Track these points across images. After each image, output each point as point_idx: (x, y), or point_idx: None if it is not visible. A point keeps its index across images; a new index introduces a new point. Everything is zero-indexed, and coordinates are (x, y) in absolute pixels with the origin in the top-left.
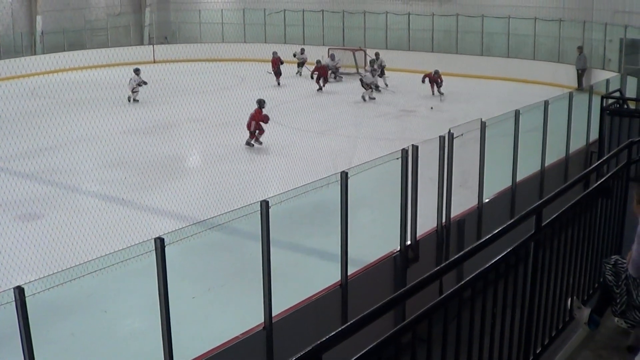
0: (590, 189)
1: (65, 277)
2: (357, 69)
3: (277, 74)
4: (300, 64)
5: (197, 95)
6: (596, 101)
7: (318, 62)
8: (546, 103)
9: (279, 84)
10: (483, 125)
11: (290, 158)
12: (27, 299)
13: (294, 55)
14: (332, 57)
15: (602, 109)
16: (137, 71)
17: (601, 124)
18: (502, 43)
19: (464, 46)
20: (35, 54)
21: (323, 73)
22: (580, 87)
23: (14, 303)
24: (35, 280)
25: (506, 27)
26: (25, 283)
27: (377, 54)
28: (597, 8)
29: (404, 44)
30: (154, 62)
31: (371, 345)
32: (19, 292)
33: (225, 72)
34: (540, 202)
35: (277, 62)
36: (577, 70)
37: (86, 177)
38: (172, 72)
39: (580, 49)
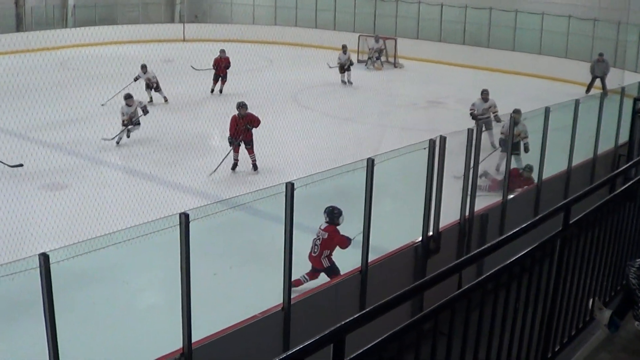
0: (617, 191)
1: (90, 246)
2: (387, 58)
3: (216, 79)
4: (148, 87)
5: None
6: (628, 103)
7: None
8: (577, 102)
9: (212, 90)
10: (512, 121)
11: (315, 142)
12: (51, 266)
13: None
14: (376, 38)
15: (634, 112)
16: (128, 97)
17: (632, 126)
18: (535, 39)
19: (495, 40)
20: (66, 27)
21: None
22: (602, 92)
23: (38, 269)
24: (60, 248)
25: (539, 24)
26: (50, 250)
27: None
28: (633, 9)
29: (436, 35)
30: (184, 40)
31: (393, 330)
32: (44, 258)
33: (254, 54)
34: (570, 199)
35: (220, 63)
36: (597, 76)
37: (112, 151)
38: (201, 51)
39: (601, 55)
